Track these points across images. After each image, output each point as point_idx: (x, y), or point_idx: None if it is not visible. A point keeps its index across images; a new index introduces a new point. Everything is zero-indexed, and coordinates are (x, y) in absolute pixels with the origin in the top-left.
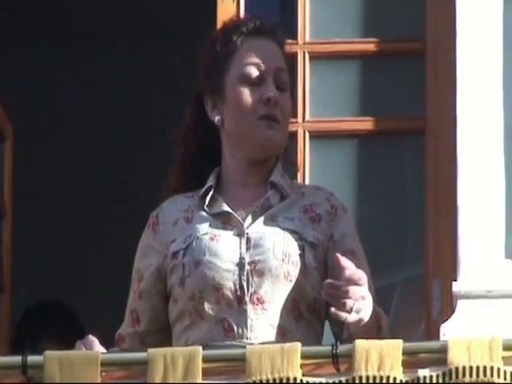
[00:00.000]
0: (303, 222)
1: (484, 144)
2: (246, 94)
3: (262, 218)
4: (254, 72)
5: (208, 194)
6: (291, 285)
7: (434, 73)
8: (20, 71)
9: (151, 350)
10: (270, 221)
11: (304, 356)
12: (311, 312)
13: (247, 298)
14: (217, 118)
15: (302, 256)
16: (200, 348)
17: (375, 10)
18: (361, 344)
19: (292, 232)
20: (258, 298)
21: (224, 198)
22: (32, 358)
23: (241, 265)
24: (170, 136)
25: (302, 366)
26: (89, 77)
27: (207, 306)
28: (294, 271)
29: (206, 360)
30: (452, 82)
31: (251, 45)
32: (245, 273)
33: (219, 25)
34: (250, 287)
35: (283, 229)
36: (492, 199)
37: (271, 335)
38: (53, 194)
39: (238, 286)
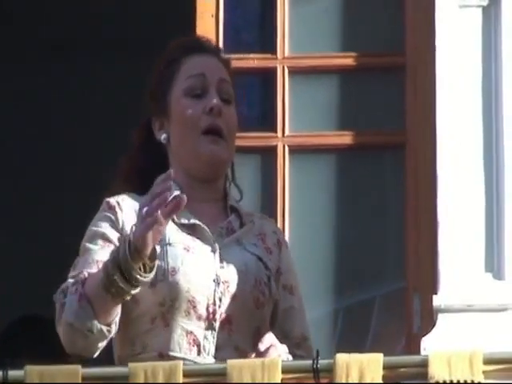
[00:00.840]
0: (264, 251)
1: (463, 158)
2: (190, 106)
3: (228, 240)
4: (197, 84)
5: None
6: (258, 312)
7: (414, 87)
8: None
9: (132, 365)
10: (237, 245)
11: (285, 370)
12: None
13: (217, 316)
14: (163, 136)
15: (267, 285)
16: (181, 363)
17: (354, 25)
18: (341, 358)
19: (259, 259)
20: (226, 318)
21: (186, 209)
22: (13, 373)
23: (216, 281)
24: None
25: (282, 380)
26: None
27: (176, 316)
28: (262, 299)
29: (186, 375)
30: (432, 96)
31: (193, 60)
32: (219, 290)
33: None
34: (222, 306)
35: (252, 253)
36: (471, 213)
37: (234, 357)
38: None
39: (210, 302)
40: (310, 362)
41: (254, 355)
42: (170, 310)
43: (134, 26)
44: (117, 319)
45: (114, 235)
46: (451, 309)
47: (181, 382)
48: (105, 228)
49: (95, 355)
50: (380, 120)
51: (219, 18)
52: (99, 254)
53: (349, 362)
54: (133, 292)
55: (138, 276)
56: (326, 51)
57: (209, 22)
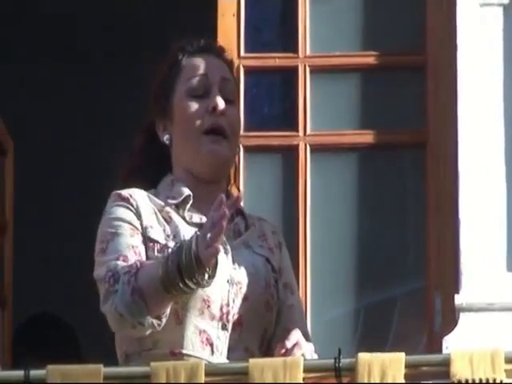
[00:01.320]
0: (267, 252)
1: (485, 157)
2: (192, 107)
3: (236, 243)
4: (199, 84)
5: (185, 203)
6: (267, 314)
7: (435, 86)
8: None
9: (154, 364)
10: (245, 247)
11: (306, 369)
12: (268, 342)
13: (230, 317)
14: (166, 137)
15: (275, 288)
16: (203, 362)
17: (375, 24)
18: (363, 357)
19: (267, 261)
20: (238, 320)
21: (195, 209)
22: (34, 373)
23: (230, 282)
24: None
25: (304, 379)
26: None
27: (190, 314)
28: (271, 302)
29: (208, 373)
30: (453, 94)
31: (195, 61)
32: (233, 291)
33: (220, 40)
34: (235, 307)
35: (260, 255)
36: (494, 212)
37: (244, 358)
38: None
39: (224, 302)
40: (332, 361)
41: (282, 350)
42: (183, 307)
43: (156, 26)
44: (167, 312)
45: (137, 223)
46: (473, 308)
47: (203, 381)
48: (127, 215)
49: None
50: (401, 119)
51: (240, 18)
52: (131, 239)
53: (371, 361)
54: (188, 291)
55: (201, 281)
56: (346, 50)
57: (230, 21)
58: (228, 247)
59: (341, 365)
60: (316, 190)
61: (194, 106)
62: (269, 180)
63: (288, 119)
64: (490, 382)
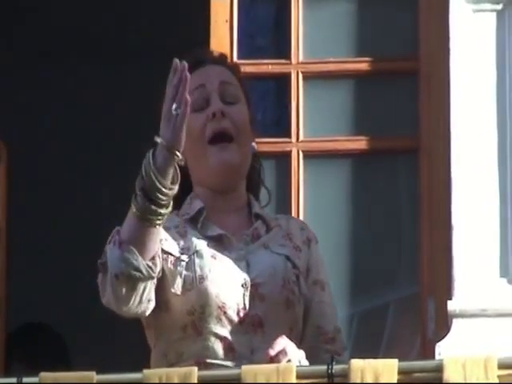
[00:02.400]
0: (292, 250)
1: (478, 163)
2: (194, 120)
3: (254, 246)
4: (198, 96)
5: (199, 216)
6: (289, 312)
7: (428, 92)
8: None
9: (146, 371)
10: (264, 248)
11: (299, 376)
12: (296, 341)
13: (249, 320)
14: (179, 158)
15: (296, 284)
16: (195, 368)
17: (368, 30)
18: (356, 363)
19: (287, 258)
20: (258, 321)
21: (211, 222)
22: (27, 380)
23: (245, 286)
24: None
25: None
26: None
27: (208, 323)
28: (292, 298)
29: (201, 380)
30: (446, 101)
31: (193, 76)
32: (248, 294)
33: (213, 46)
34: (252, 309)
35: (279, 254)
36: (486, 217)
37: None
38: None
39: (241, 307)
40: (325, 367)
41: (267, 358)
42: (200, 317)
43: (147, 34)
44: (159, 253)
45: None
46: (466, 314)
47: None
48: None
49: (146, 313)
50: (394, 125)
51: (233, 24)
52: None
53: (364, 367)
54: (163, 211)
55: (163, 189)
56: (340, 56)
57: (223, 27)
58: (242, 252)
59: (333, 371)
60: (309, 197)
61: (196, 118)
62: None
63: (281, 125)
64: None
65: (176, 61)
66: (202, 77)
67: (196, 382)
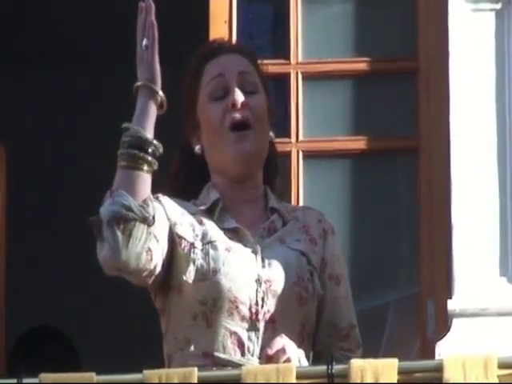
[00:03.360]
0: (306, 243)
1: (478, 162)
2: (214, 109)
3: (270, 240)
4: (217, 86)
5: (215, 207)
6: (301, 309)
7: (427, 92)
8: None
9: (146, 372)
10: (280, 243)
11: (299, 376)
12: (309, 339)
13: (261, 316)
14: (197, 148)
15: (310, 281)
16: (195, 369)
17: (367, 30)
18: (356, 363)
19: (302, 254)
20: (270, 317)
21: (228, 213)
22: (27, 381)
23: (258, 281)
24: None
25: None
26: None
27: (219, 316)
28: (305, 295)
29: (201, 381)
30: (445, 100)
31: (211, 65)
32: (261, 290)
33: None
34: (265, 305)
35: (294, 250)
36: (486, 217)
37: None
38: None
39: (253, 302)
40: (325, 367)
41: (265, 357)
42: (212, 309)
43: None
44: (151, 197)
45: (163, 214)
46: (466, 313)
47: None
48: (156, 206)
49: (149, 277)
50: (393, 125)
51: (232, 24)
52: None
53: (364, 367)
54: (149, 158)
55: (146, 135)
56: (339, 56)
57: (222, 28)
58: (258, 247)
59: (333, 371)
60: (309, 196)
61: (215, 107)
62: None
63: (281, 126)
64: None
65: (140, 2)
66: (220, 66)
67: (196, 381)
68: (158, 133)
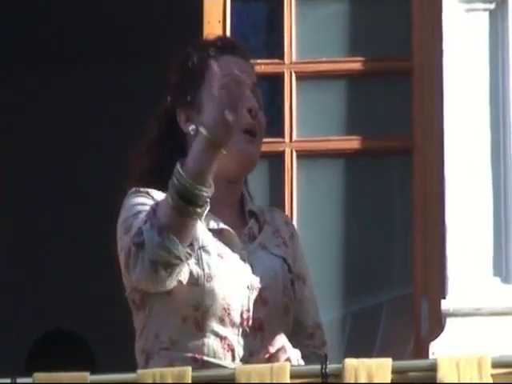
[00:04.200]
0: (284, 248)
1: (472, 163)
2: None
3: (253, 246)
4: (233, 83)
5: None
6: (286, 318)
7: (421, 91)
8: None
9: (140, 371)
10: (261, 249)
11: (293, 375)
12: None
13: (251, 322)
14: (191, 128)
15: (292, 290)
16: (189, 368)
17: (361, 30)
18: (350, 363)
19: (284, 261)
20: (259, 324)
21: (212, 214)
22: (21, 380)
23: (250, 288)
24: None
25: None
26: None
27: (210, 322)
28: (290, 304)
29: (195, 380)
30: (439, 100)
31: (227, 59)
32: (252, 296)
33: None
34: (255, 312)
35: (277, 256)
36: (480, 217)
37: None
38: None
39: (245, 309)
40: (319, 366)
41: (266, 355)
42: (204, 315)
43: (142, 34)
44: (196, 235)
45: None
46: (459, 313)
47: None
48: (148, 201)
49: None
50: (387, 125)
51: (226, 24)
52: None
53: (357, 367)
54: (201, 210)
55: (199, 192)
56: (333, 56)
57: (216, 27)
58: (245, 252)
59: (327, 370)
60: (302, 196)
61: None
62: (255, 186)
63: (274, 125)
64: None
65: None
66: (238, 66)
67: (190, 381)
68: None
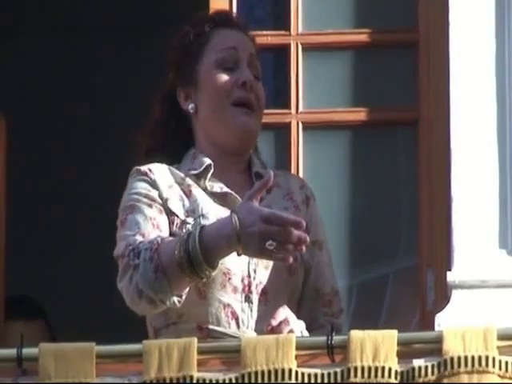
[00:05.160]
0: (293, 212)
1: (477, 134)
2: (222, 78)
3: None
4: (229, 57)
5: (207, 172)
6: (291, 279)
7: (427, 63)
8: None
9: (146, 342)
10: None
11: (299, 347)
12: (295, 307)
13: (253, 288)
14: (190, 106)
15: (299, 252)
16: (195, 339)
17: (367, 1)
18: (356, 335)
19: None
20: (262, 289)
21: (217, 179)
22: (27, 351)
23: None
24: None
25: (296, 357)
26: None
27: (212, 289)
28: (295, 265)
29: (201, 352)
30: (445, 71)
31: (224, 33)
32: (253, 262)
33: None
34: (257, 276)
35: None
36: (486, 189)
37: None
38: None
39: (245, 274)
40: (325, 338)
41: (268, 328)
42: (205, 282)
43: (146, 7)
44: (187, 290)
45: (155, 194)
46: (465, 285)
47: (195, 359)
48: (145, 189)
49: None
50: (393, 96)
51: None
52: (150, 211)
53: (363, 339)
54: (203, 280)
55: (207, 272)
56: (339, 28)
57: (222, 1)
58: None
59: (333, 342)
60: (308, 168)
61: (224, 77)
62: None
63: (280, 97)
64: (483, 358)
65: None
66: (233, 39)
67: (196, 353)
68: None
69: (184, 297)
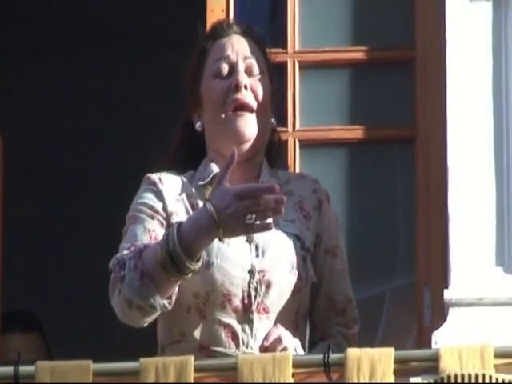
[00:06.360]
0: (301, 222)
1: (474, 152)
2: (217, 86)
3: None
4: (223, 65)
5: (214, 180)
6: (295, 297)
7: (424, 81)
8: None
9: (143, 360)
10: (275, 225)
11: (296, 365)
12: (304, 321)
13: (254, 307)
14: (198, 124)
15: (304, 269)
16: (192, 357)
17: (365, 19)
18: (353, 352)
19: (296, 238)
20: (263, 308)
21: None
22: (24, 368)
23: (251, 273)
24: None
25: (293, 374)
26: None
27: (212, 309)
28: (299, 284)
29: (197, 369)
30: (442, 89)
31: (218, 44)
32: (254, 281)
33: None
34: (258, 296)
35: (288, 234)
36: (483, 207)
37: None
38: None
39: (246, 294)
40: (321, 356)
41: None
42: (205, 303)
43: (146, 23)
44: (176, 290)
45: (159, 206)
46: (462, 303)
47: (192, 376)
48: (150, 199)
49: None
50: (391, 114)
51: (229, 13)
52: (149, 222)
53: (360, 357)
54: (187, 276)
55: (188, 265)
56: (336, 45)
57: (219, 16)
58: (252, 235)
59: (330, 360)
60: None
61: (219, 87)
62: None
63: (277, 115)
64: (480, 377)
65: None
66: (228, 46)
67: (192, 370)
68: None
69: (174, 298)
